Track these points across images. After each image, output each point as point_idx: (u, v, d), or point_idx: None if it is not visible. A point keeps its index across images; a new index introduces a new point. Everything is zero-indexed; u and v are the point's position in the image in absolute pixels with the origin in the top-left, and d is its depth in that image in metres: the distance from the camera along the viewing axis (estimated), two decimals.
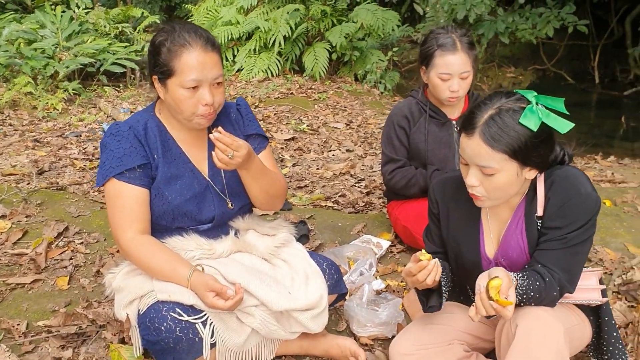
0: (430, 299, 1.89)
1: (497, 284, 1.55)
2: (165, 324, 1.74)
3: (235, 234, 2.04)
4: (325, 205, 3.48)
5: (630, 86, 9.38)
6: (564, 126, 1.60)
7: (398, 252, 2.84)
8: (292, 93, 6.60)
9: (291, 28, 7.18)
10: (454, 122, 2.68)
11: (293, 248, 2.10)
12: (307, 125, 5.52)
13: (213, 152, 1.76)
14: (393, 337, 2.24)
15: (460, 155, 1.71)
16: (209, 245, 1.96)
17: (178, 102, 1.80)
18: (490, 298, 1.55)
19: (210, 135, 1.75)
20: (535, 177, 1.74)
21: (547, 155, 1.66)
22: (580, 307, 1.90)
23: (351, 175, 4.10)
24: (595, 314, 1.91)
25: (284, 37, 7.16)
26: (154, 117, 1.94)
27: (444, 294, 1.87)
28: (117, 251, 2.72)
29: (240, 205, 2.04)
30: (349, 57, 7.53)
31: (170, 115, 1.91)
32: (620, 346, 1.89)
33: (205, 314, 1.80)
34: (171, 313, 1.75)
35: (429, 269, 1.74)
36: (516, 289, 1.62)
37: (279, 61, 7.36)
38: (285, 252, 2.07)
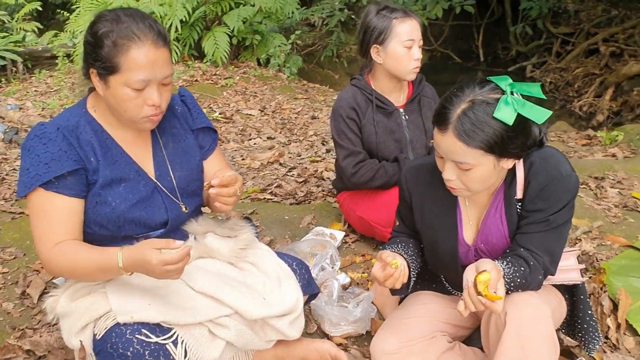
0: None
1: (485, 278, 1.52)
2: (131, 349, 1.56)
3: (194, 238, 1.88)
4: (265, 198, 3.36)
5: (513, 62, 9.97)
6: (540, 116, 1.56)
7: (353, 242, 2.79)
8: (196, 80, 6.33)
9: (188, 12, 6.87)
10: (401, 110, 2.63)
11: (259, 249, 1.97)
12: (220, 114, 5.32)
13: (217, 204, 1.68)
14: (367, 333, 2.20)
15: (435, 149, 1.67)
16: None
17: (121, 102, 1.60)
18: (478, 293, 1.52)
19: (211, 191, 1.62)
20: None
21: (525, 143, 1.63)
22: (556, 286, 1.94)
23: (281, 164, 4.00)
24: (570, 292, 1.96)
25: (181, 21, 6.84)
26: (87, 114, 1.71)
27: (412, 277, 1.84)
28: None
29: (194, 207, 1.88)
30: (250, 41, 7.36)
31: (109, 113, 1.70)
32: (594, 323, 1.96)
33: (174, 332, 1.64)
34: (137, 335, 1.57)
35: (395, 277, 1.71)
36: (503, 278, 1.60)
37: (177, 47, 7.03)
38: (252, 254, 1.93)
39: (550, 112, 1.59)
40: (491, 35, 10.73)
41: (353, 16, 8.39)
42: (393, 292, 1.88)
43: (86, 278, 1.67)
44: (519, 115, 1.54)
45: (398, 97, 2.64)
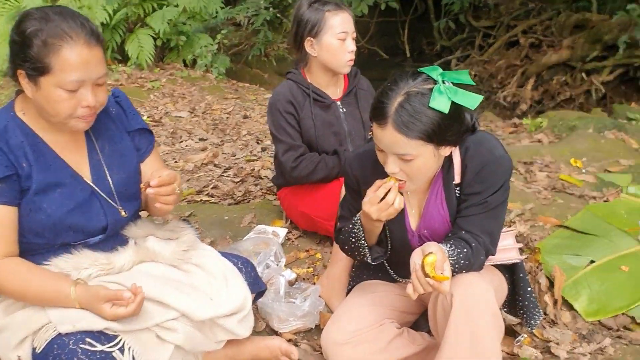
0: (372, 249, 1.89)
1: (432, 260, 1.55)
2: (75, 359, 1.49)
3: (135, 242, 1.82)
4: (201, 200, 3.29)
5: (438, 57, 10.20)
6: (473, 101, 1.61)
7: (296, 238, 2.78)
8: (122, 84, 6.13)
9: (109, 14, 6.64)
10: (338, 103, 2.63)
11: (202, 250, 1.93)
12: (148, 117, 5.17)
13: (157, 204, 1.63)
14: (316, 326, 2.20)
15: (375, 143, 1.69)
16: (106, 260, 1.71)
17: (53, 104, 1.53)
18: (426, 275, 1.55)
19: (148, 190, 1.58)
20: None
21: (460, 130, 1.67)
22: (496, 266, 1.99)
23: (215, 165, 3.92)
24: (510, 271, 2.02)
25: (102, 24, 6.61)
26: (15, 118, 1.62)
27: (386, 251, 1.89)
28: None
29: (133, 211, 1.82)
30: (175, 42, 7.20)
31: (39, 116, 1.62)
32: (534, 300, 2.03)
33: (120, 339, 1.58)
34: (81, 345, 1.50)
35: (395, 188, 1.68)
36: (448, 259, 1.63)
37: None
38: (195, 255, 1.88)
39: (481, 97, 1.63)
40: (416, 31, 10.94)
41: (279, 15, 8.36)
42: (372, 259, 1.87)
43: (34, 302, 1.60)
44: (452, 103, 1.57)
45: (335, 91, 2.65)
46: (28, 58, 1.49)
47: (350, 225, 1.85)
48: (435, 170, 1.75)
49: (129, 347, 1.58)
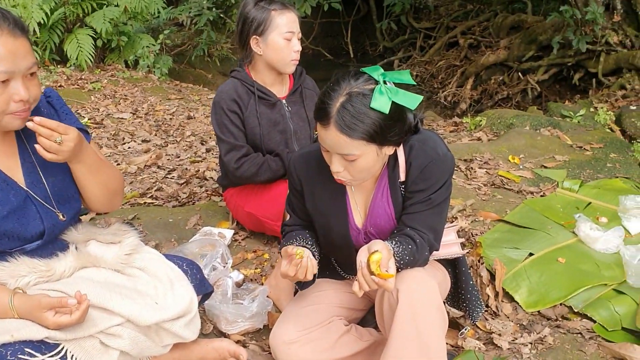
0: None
1: (377, 258, 1.58)
2: None
3: (75, 248, 1.77)
4: (145, 203, 3.23)
5: (381, 58, 10.34)
6: (413, 102, 1.63)
7: (243, 239, 2.76)
8: (61, 85, 5.96)
9: (46, 14, 6.43)
10: (284, 101, 2.63)
11: (146, 253, 1.88)
12: (89, 119, 5.04)
13: (36, 145, 1.51)
14: (265, 327, 2.19)
15: (320, 142, 1.70)
16: (45, 266, 1.65)
17: None
18: (371, 273, 1.58)
19: (28, 124, 1.48)
20: None
21: (402, 130, 1.70)
22: (439, 260, 2.04)
23: (159, 167, 3.87)
24: (452, 266, 2.08)
25: (39, 24, 6.40)
26: None
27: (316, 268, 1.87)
28: None
29: (72, 214, 1.76)
30: (116, 42, 7.04)
31: None
32: (477, 293, 2.09)
33: (62, 347, 1.53)
34: (20, 356, 1.45)
35: (304, 266, 1.73)
36: (393, 256, 1.67)
37: (37, 51, 6.56)
38: (139, 258, 1.83)
39: (421, 97, 1.66)
40: (359, 32, 11.06)
41: (222, 15, 8.29)
42: (301, 285, 1.91)
43: None
44: (393, 103, 1.59)
45: (280, 89, 2.64)
46: None
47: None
48: (379, 169, 1.77)
49: (72, 355, 1.53)
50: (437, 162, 1.76)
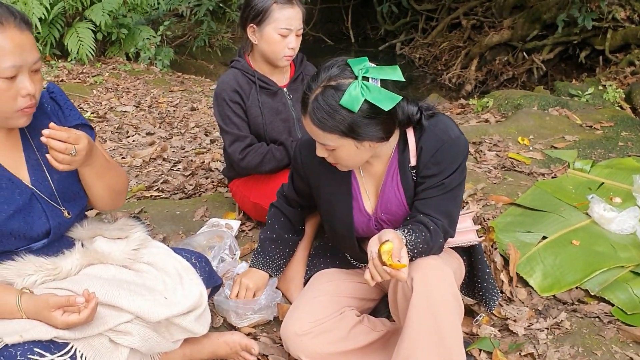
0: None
1: (388, 248, 1.54)
2: None
3: (82, 245, 1.74)
4: (152, 196, 3.20)
5: (383, 41, 10.26)
6: (387, 102, 1.57)
7: (250, 230, 2.73)
8: (62, 80, 5.92)
9: (46, 8, 6.37)
10: (285, 90, 2.59)
11: (153, 247, 1.86)
12: (92, 113, 5.01)
13: (48, 155, 1.47)
14: (275, 319, 2.17)
15: None
16: (52, 265, 1.63)
17: None
18: (383, 263, 1.54)
19: (42, 139, 1.45)
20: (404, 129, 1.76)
21: (388, 125, 1.65)
22: (454, 248, 2.00)
23: (164, 159, 3.83)
24: (467, 253, 2.03)
25: (40, 19, 6.35)
26: None
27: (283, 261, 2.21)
28: None
29: (78, 211, 1.73)
30: (117, 35, 6.99)
31: None
32: (492, 281, 2.05)
33: (71, 346, 1.51)
34: (29, 356, 1.43)
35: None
36: (406, 245, 1.63)
37: (38, 47, 6.51)
38: (146, 253, 1.82)
39: (399, 98, 1.59)
40: (360, 16, 10.97)
41: (222, 4, 8.22)
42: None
43: None
44: (367, 101, 1.55)
45: (281, 77, 2.59)
46: None
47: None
48: (366, 157, 1.72)
49: (81, 354, 1.51)
50: (450, 145, 1.72)
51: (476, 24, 8.60)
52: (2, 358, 1.42)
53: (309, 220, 2.37)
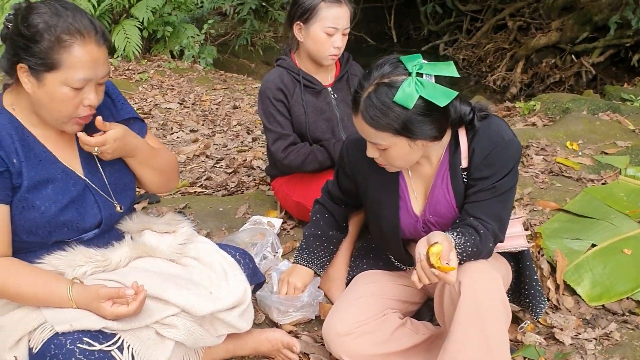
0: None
1: (437, 250, 1.51)
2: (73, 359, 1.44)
3: (130, 237, 1.77)
4: (195, 192, 3.23)
5: (425, 42, 10.16)
6: (443, 98, 1.54)
7: (291, 229, 2.73)
8: (110, 76, 6.02)
9: (93, 6, 6.51)
10: (329, 89, 2.58)
11: (200, 242, 1.88)
12: (138, 109, 5.09)
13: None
14: (316, 317, 2.16)
15: None
16: (102, 256, 1.67)
17: (57, 102, 1.49)
18: (431, 265, 1.51)
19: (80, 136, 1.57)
20: (457, 129, 1.73)
21: (441, 124, 1.62)
22: (502, 253, 1.96)
23: (207, 156, 3.87)
24: (515, 259, 1.99)
25: None
26: (4, 111, 1.57)
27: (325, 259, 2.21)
28: None
29: (128, 203, 1.78)
30: (162, 33, 7.09)
31: (31, 112, 1.57)
32: (540, 288, 2.00)
33: (119, 337, 1.52)
34: (79, 345, 1.45)
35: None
36: (455, 248, 1.60)
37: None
38: (193, 248, 1.84)
39: (455, 93, 1.56)
40: (403, 16, 10.88)
41: (264, 3, 8.27)
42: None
43: (29, 304, 1.55)
44: (422, 98, 1.52)
45: (326, 76, 2.59)
46: (35, 53, 1.45)
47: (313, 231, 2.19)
48: (417, 157, 1.69)
49: (128, 346, 1.52)
50: (503, 148, 1.69)
51: (523, 26, 8.44)
52: (52, 346, 1.45)
53: (351, 220, 2.35)
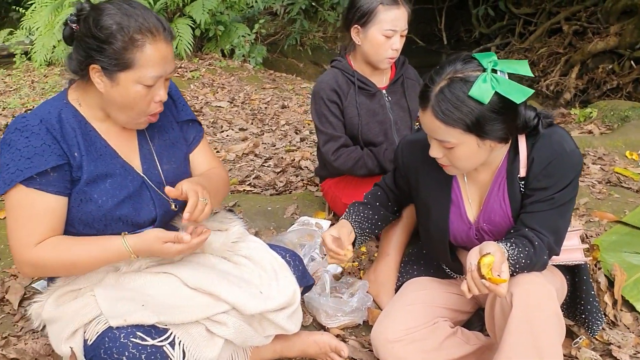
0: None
1: (489, 261, 1.48)
2: (127, 353, 1.46)
3: None
4: (244, 190, 3.25)
5: (476, 45, 10.01)
6: (519, 95, 1.51)
7: None
8: None
9: (150, 4, 6.65)
10: (384, 92, 2.56)
11: (251, 242, 1.89)
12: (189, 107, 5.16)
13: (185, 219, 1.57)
14: (364, 323, 2.14)
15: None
16: None
17: (131, 100, 1.53)
18: (482, 276, 1.47)
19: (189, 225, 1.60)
20: (517, 137, 1.68)
21: (512, 126, 1.58)
22: (557, 266, 1.90)
23: (256, 155, 3.89)
24: (571, 272, 1.92)
25: None
26: (69, 106, 1.60)
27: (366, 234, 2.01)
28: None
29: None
30: (214, 32, 7.19)
31: (97, 108, 1.60)
32: (597, 304, 1.93)
33: (171, 332, 1.54)
34: (132, 339, 1.47)
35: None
36: (507, 260, 1.55)
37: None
38: (244, 247, 1.85)
39: (531, 91, 1.54)
40: (453, 18, 10.78)
41: (314, 4, 8.29)
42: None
43: (86, 269, 1.59)
44: (497, 94, 1.49)
45: (380, 79, 2.57)
46: (109, 54, 1.48)
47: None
48: (482, 160, 1.65)
49: (180, 342, 1.54)
50: (564, 158, 1.63)
51: (579, 30, 8.22)
52: (106, 338, 1.47)
53: (402, 227, 2.32)
